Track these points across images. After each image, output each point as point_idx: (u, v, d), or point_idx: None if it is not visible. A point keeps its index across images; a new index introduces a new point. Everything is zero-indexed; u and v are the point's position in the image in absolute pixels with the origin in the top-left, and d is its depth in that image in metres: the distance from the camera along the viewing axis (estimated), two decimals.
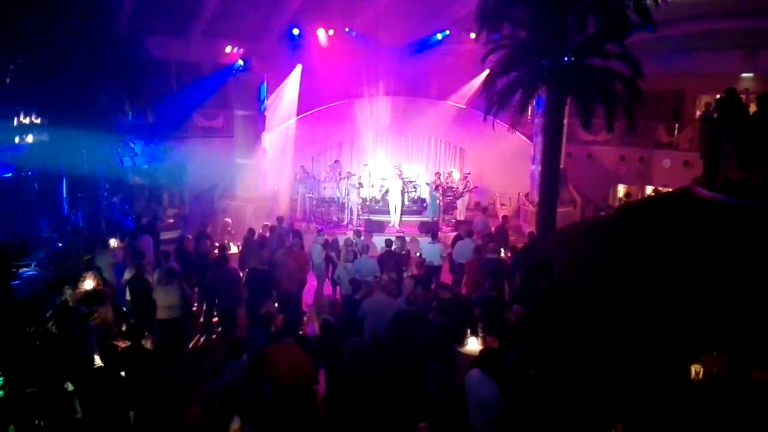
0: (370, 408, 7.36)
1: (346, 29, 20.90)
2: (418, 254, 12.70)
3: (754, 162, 8.18)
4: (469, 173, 19.42)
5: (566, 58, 12.91)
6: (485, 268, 11.20)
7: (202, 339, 11.39)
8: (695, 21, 19.09)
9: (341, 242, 12.84)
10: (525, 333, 7.94)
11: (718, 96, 11.44)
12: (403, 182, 18.28)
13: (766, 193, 7.89)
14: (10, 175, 13.53)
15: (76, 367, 6.25)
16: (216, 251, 12.13)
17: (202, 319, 11.84)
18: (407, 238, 12.90)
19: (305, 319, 9.51)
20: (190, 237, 13.00)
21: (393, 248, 12.06)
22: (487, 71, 14.24)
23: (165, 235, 15.13)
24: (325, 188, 18.85)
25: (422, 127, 21.06)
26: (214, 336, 11.41)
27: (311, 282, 12.69)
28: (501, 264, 11.95)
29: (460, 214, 18.62)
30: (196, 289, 11.66)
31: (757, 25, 18.33)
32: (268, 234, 13.31)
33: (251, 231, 13.18)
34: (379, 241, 13.43)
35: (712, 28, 19.32)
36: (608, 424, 6.19)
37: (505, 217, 16.18)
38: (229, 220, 15.22)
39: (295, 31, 20.52)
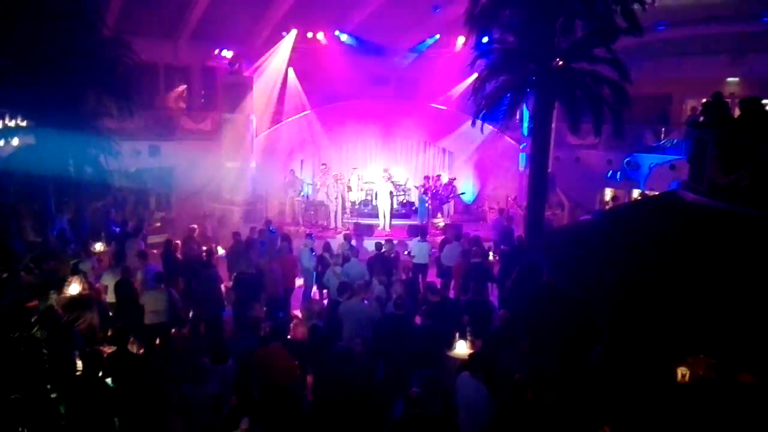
0: (357, 412, 7.33)
1: (336, 32, 20.90)
2: (406, 252, 12.68)
3: (739, 166, 8.23)
4: (454, 178, 19.43)
5: (554, 62, 12.97)
6: (471, 271, 11.23)
7: (188, 344, 11.28)
8: (682, 26, 19.25)
9: (333, 246, 12.82)
10: (509, 336, 7.98)
11: (704, 100, 11.52)
12: (393, 186, 18.28)
13: (751, 197, 7.94)
14: None
15: (61, 373, 6.19)
16: (204, 255, 12.06)
17: (188, 324, 11.73)
18: (395, 241, 12.89)
19: (292, 324, 9.46)
20: (177, 241, 12.91)
21: (383, 251, 12.05)
22: (475, 75, 14.28)
23: (152, 239, 15.03)
24: (317, 191, 18.82)
25: (411, 130, 21.07)
26: (201, 341, 11.31)
27: (299, 286, 12.65)
28: (487, 268, 11.94)
29: (447, 217, 18.65)
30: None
31: (743, 30, 18.51)
32: (256, 236, 13.25)
33: (237, 234, 13.11)
34: (368, 245, 13.42)
35: (699, 33, 19.49)
36: (595, 426, 6.20)
37: (510, 219, 16.02)
38: (195, 226, 14.97)
39: (284, 35, 20.49)
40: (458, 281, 11.65)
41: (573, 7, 12.32)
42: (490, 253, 13.18)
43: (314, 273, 12.41)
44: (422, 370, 8.09)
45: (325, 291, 11.77)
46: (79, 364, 6.96)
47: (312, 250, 12.69)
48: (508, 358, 7.42)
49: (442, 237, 14.70)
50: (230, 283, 11.42)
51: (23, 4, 12.08)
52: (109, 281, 10.42)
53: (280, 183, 19.25)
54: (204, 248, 12.63)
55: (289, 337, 8.39)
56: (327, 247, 12.63)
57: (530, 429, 6.12)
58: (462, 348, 8.67)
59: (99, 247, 13.33)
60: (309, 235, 13.56)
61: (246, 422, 6.07)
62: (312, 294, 12.41)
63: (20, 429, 5.54)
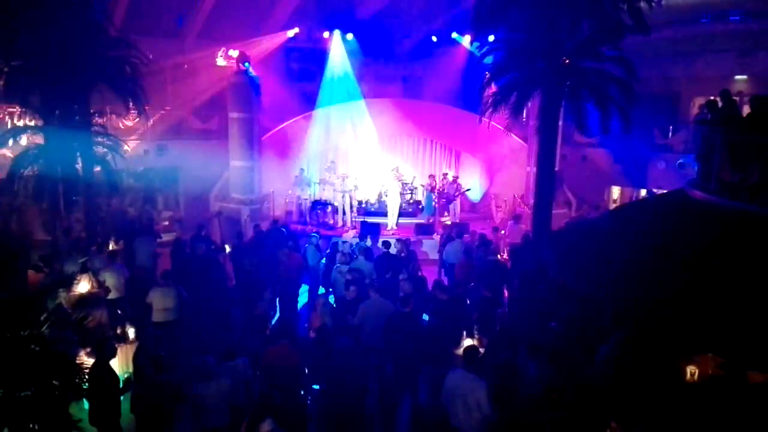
0: (362, 411, 7.35)
1: (338, 31, 20.90)
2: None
3: (748, 163, 8.20)
4: (457, 176, 19.37)
5: (561, 61, 12.94)
6: (481, 269, 11.22)
7: (197, 341, 11.32)
8: (689, 24, 19.17)
9: (340, 245, 12.83)
10: (511, 336, 7.98)
11: (711, 98, 11.49)
12: (402, 185, 18.29)
13: (761, 195, 7.91)
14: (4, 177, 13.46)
15: (71, 370, 6.22)
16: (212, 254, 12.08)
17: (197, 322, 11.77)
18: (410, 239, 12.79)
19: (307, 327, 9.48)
20: (185, 239, 12.95)
21: (391, 251, 12.03)
22: (482, 74, 14.26)
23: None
24: (324, 190, 18.84)
25: (418, 129, 21.05)
26: (209, 339, 11.35)
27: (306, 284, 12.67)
28: (497, 265, 11.92)
29: (454, 216, 18.64)
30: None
31: (751, 27, 18.42)
32: (264, 234, 13.28)
33: (240, 234, 13.15)
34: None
35: (706, 31, 19.40)
36: (603, 422, 6.20)
37: (518, 217, 15.79)
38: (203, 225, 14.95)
39: (290, 33, 20.50)
40: (461, 279, 11.61)
41: (579, 5, 12.28)
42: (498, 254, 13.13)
43: (320, 272, 12.44)
44: (427, 368, 8.08)
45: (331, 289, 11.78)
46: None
47: (318, 248, 12.70)
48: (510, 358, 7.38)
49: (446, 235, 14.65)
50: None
51: (31, 5, 12.14)
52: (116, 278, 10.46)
53: (287, 182, 19.27)
54: (212, 247, 12.66)
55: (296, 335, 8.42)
56: (334, 246, 12.63)
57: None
58: None
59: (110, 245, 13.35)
60: (315, 233, 13.58)
61: (269, 423, 6.02)
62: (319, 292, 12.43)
63: (31, 426, 5.57)
